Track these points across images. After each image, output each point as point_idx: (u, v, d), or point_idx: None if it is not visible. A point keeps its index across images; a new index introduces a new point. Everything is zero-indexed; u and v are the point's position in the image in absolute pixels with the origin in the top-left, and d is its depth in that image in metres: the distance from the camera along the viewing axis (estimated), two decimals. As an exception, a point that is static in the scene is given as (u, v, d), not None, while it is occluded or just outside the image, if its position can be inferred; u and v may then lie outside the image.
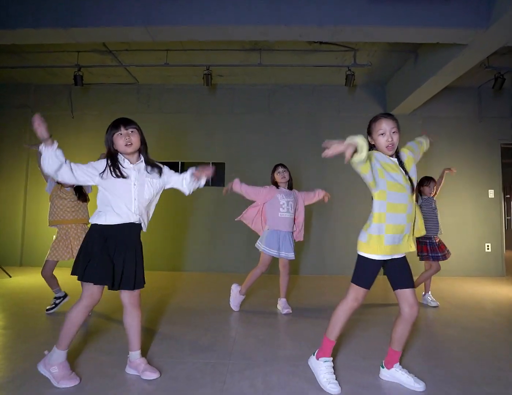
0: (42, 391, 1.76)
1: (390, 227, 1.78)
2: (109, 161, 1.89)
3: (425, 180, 3.72)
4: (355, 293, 1.84)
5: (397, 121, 1.92)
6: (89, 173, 1.86)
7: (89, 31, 3.42)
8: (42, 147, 1.75)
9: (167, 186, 2.08)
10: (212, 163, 5.89)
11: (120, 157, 1.92)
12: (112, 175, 1.86)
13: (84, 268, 1.79)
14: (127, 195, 1.88)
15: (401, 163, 1.90)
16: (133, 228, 1.92)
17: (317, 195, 3.49)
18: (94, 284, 1.80)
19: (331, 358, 1.92)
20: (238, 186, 3.33)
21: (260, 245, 3.30)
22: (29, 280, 4.65)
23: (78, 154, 5.91)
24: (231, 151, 5.83)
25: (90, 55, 4.89)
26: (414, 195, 1.88)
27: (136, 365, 1.96)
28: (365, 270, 1.84)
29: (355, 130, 6.00)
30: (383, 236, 1.78)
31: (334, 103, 5.82)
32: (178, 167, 5.97)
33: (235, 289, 3.36)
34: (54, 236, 3.15)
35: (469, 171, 5.73)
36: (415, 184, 1.89)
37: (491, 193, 5.69)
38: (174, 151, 5.86)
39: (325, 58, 4.88)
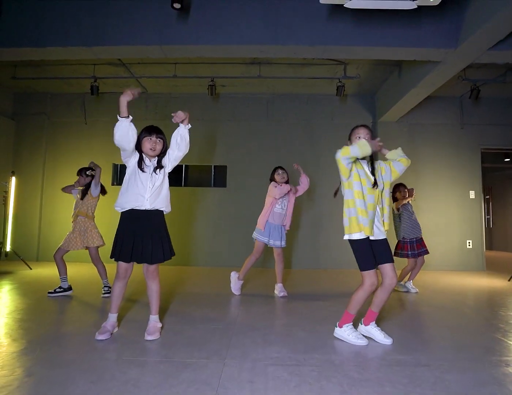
0: (85, 344, 2.22)
1: (359, 210, 2.27)
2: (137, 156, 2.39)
3: (395, 187, 4.21)
4: (369, 278, 2.27)
5: (371, 130, 2.51)
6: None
7: (110, 49, 3.90)
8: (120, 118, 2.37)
9: (177, 154, 2.50)
10: (215, 166, 6.39)
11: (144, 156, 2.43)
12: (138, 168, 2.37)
13: (113, 250, 2.32)
14: (144, 188, 2.33)
15: (372, 164, 2.40)
16: (152, 214, 2.36)
17: (302, 184, 3.92)
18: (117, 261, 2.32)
19: (352, 323, 2.37)
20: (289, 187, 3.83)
21: (254, 234, 3.81)
22: (47, 271, 5.09)
23: (90, 157, 6.37)
24: (232, 155, 6.30)
25: (105, 67, 5.38)
26: (378, 191, 2.36)
27: (148, 326, 2.39)
28: (362, 253, 2.30)
29: (347, 135, 6.49)
30: (356, 217, 2.28)
31: (328, 111, 6.32)
32: (182, 170, 6.45)
33: (234, 275, 3.85)
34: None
35: (452, 174, 6.22)
36: (380, 184, 2.38)
37: (472, 194, 6.17)
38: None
39: (318, 71, 5.38)
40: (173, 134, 2.50)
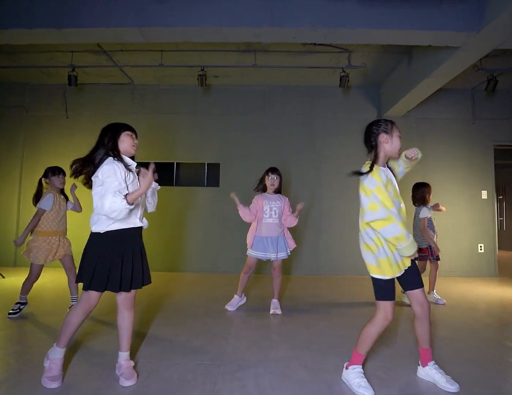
0: (34, 392, 1.77)
1: (391, 246, 1.82)
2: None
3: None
4: (384, 310, 1.85)
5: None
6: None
7: (82, 31, 3.40)
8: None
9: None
10: (207, 164, 5.91)
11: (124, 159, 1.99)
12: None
13: (91, 278, 1.83)
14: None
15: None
16: (136, 231, 2.01)
17: (286, 221, 3.42)
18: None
19: (360, 366, 1.94)
20: (241, 211, 3.39)
21: (248, 249, 3.39)
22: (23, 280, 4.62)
23: (72, 154, 5.87)
24: (226, 151, 5.83)
25: (85, 55, 4.87)
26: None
27: (119, 366, 1.96)
28: (385, 287, 1.86)
29: (349, 131, 6.05)
30: (391, 257, 1.83)
31: (329, 104, 5.84)
32: (173, 167, 5.97)
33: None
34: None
35: (463, 172, 5.77)
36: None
37: (484, 194, 5.73)
38: (168, 152, 5.86)
39: (320, 59, 4.90)
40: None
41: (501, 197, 9.07)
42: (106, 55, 4.86)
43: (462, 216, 5.71)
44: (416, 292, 1.90)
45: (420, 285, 1.91)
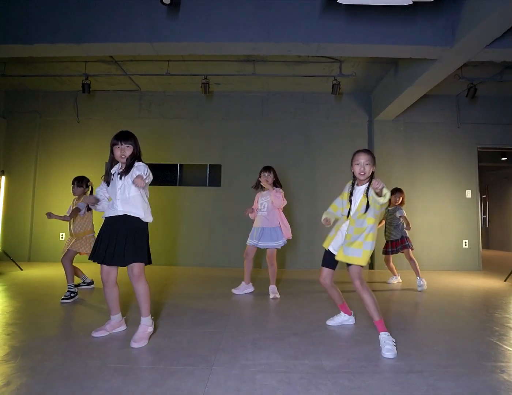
0: (68, 349, 2.15)
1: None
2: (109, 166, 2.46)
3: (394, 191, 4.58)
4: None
5: (372, 155, 2.45)
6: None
7: (100, 46, 3.81)
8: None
9: None
10: (209, 165, 6.32)
11: (116, 167, 2.45)
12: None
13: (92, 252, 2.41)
14: (115, 195, 2.37)
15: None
16: (124, 218, 2.34)
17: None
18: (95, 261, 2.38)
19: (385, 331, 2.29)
20: (253, 216, 3.93)
21: None
22: (39, 272, 5.01)
23: (83, 156, 6.31)
24: (227, 154, 6.23)
25: (97, 64, 5.29)
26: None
27: (137, 331, 2.31)
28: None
29: (342, 134, 6.53)
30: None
31: (323, 109, 6.26)
32: (177, 169, 6.37)
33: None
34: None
35: (448, 173, 6.17)
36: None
37: (468, 193, 6.13)
38: (173, 154, 6.26)
39: (313, 69, 5.31)
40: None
41: (484, 196, 9.66)
42: (117, 64, 5.28)
43: (448, 214, 6.10)
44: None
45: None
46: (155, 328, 2.52)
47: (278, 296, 3.69)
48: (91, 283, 3.99)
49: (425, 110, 6.22)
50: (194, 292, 3.96)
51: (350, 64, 5.18)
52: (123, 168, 2.38)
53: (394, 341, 2.25)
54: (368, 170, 2.38)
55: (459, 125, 6.23)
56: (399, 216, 4.49)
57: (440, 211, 6.09)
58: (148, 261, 2.36)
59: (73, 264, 3.60)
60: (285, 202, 3.79)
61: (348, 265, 2.42)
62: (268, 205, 3.81)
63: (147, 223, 2.41)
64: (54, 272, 5.02)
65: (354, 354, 2.17)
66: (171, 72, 5.26)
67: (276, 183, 3.83)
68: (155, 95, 6.38)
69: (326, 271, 2.64)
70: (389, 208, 4.59)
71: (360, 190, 2.45)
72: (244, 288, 3.90)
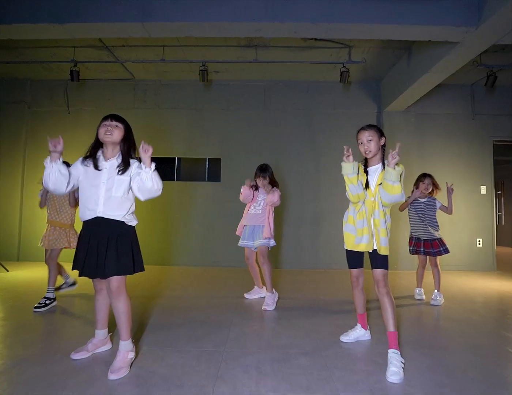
0: (41, 378, 1.82)
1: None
2: (89, 152, 2.02)
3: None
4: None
5: (377, 129, 2.21)
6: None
7: (85, 26, 3.44)
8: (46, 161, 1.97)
9: (133, 185, 1.99)
10: (208, 158, 5.96)
11: (99, 152, 2.02)
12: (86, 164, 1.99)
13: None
14: (96, 192, 1.94)
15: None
16: (105, 222, 1.93)
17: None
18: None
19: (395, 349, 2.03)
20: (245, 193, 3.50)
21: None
22: (27, 274, 4.69)
23: (75, 150, 5.93)
24: (227, 147, 5.87)
25: (87, 50, 4.91)
26: None
27: (115, 358, 1.93)
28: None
29: (350, 126, 6.11)
30: None
31: (329, 99, 5.88)
32: (174, 163, 6.02)
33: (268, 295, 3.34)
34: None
35: (462, 168, 5.82)
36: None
37: (483, 189, 5.78)
38: (170, 147, 5.90)
39: (320, 55, 4.93)
40: (133, 177, 1.99)
41: (499, 192, 9.09)
42: (108, 50, 4.89)
43: (461, 211, 5.75)
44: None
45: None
46: (143, 346, 2.19)
47: (268, 308, 3.19)
48: (74, 283, 3.59)
49: (438, 101, 5.85)
50: (190, 296, 3.63)
51: (360, 50, 4.79)
52: (120, 163, 1.97)
53: (403, 362, 1.94)
54: (374, 146, 2.14)
55: (474, 117, 5.86)
56: (439, 208, 3.67)
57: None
58: (135, 269, 1.97)
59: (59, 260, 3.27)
60: (279, 203, 3.42)
61: (374, 264, 2.13)
62: (263, 203, 3.45)
63: (132, 227, 2.04)
64: (43, 273, 4.69)
65: (376, 382, 1.84)
66: (166, 59, 4.89)
67: (273, 183, 3.49)
68: (150, 84, 6.00)
69: (357, 271, 2.34)
70: (422, 200, 3.72)
71: (374, 171, 2.21)
72: (257, 293, 3.61)
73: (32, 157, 5.94)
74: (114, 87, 6.00)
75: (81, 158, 2.02)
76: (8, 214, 5.81)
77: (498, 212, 8.86)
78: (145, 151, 1.91)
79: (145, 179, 1.92)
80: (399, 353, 1.98)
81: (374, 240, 2.15)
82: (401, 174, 2.04)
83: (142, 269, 2.02)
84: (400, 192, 2.02)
